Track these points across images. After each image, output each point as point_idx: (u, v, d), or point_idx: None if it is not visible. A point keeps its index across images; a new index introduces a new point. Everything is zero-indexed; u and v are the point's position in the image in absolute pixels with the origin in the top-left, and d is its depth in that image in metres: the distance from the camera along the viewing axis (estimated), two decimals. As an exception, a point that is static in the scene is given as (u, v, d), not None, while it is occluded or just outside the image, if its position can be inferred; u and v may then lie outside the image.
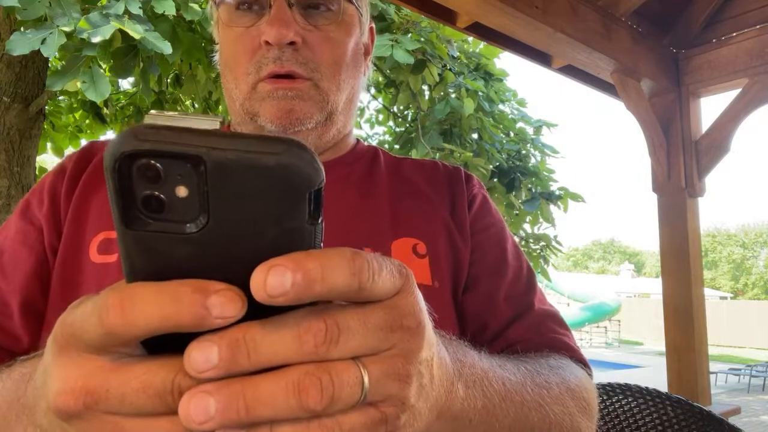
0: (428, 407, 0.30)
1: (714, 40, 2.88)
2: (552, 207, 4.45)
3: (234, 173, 0.22)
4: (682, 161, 2.87)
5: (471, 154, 4.14)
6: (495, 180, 4.44)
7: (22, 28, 2.49)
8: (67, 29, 2.34)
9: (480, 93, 4.29)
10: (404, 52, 3.40)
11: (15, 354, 0.51)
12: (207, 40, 3.09)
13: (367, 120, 5.35)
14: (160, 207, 0.23)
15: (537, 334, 0.64)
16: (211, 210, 0.23)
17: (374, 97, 5.04)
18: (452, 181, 0.73)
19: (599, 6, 2.55)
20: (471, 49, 4.70)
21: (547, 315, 0.67)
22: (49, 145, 4.23)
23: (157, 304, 0.22)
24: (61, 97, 4.17)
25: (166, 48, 2.49)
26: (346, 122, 0.70)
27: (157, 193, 0.22)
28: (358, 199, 0.66)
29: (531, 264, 0.75)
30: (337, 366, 0.24)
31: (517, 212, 4.47)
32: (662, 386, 1.60)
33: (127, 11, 2.47)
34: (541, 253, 4.68)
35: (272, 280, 0.22)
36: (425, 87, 4.34)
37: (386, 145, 5.01)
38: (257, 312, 0.24)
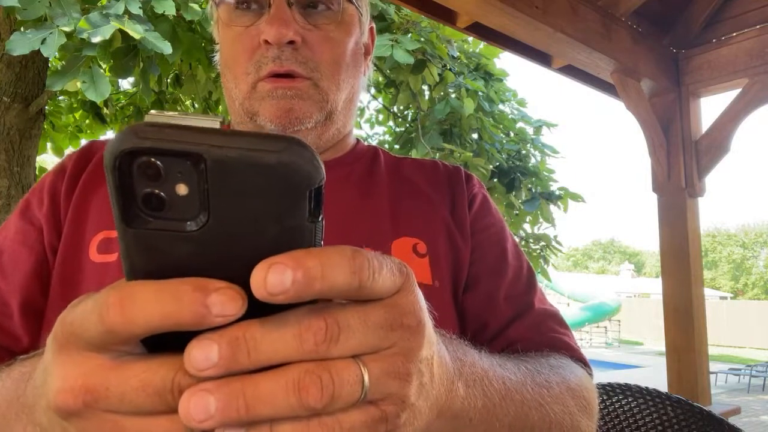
0: (428, 406, 0.30)
1: (714, 40, 2.88)
2: (552, 207, 4.45)
3: (234, 171, 0.22)
4: (682, 161, 2.87)
5: (471, 154, 4.14)
6: (495, 180, 4.44)
7: (22, 28, 2.49)
8: (67, 29, 2.34)
9: (480, 93, 4.29)
10: (404, 52, 3.40)
11: (15, 353, 0.51)
12: (207, 40, 3.09)
13: (367, 120, 5.35)
14: (161, 205, 0.23)
15: (537, 334, 0.64)
16: (212, 208, 0.23)
17: (374, 97, 5.04)
18: (452, 181, 0.73)
19: (599, 6, 2.55)
20: (471, 49, 4.70)
21: (547, 314, 0.67)
22: (49, 145, 4.23)
23: (157, 303, 0.22)
24: (61, 97, 4.17)
25: (166, 48, 2.49)
26: (346, 122, 0.70)
27: (157, 191, 0.22)
28: (358, 199, 0.66)
29: (531, 264, 0.75)
30: (337, 364, 0.24)
31: (517, 212, 4.47)
32: (662, 386, 1.60)
33: (127, 11, 2.47)
34: (541, 253, 4.68)
35: (272, 278, 0.22)
36: (425, 87, 4.34)
37: (386, 145, 5.01)
38: (257, 310, 0.23)
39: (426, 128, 4.36)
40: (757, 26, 2.72)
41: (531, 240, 4.69)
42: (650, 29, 2.88)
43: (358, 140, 0.77)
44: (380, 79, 4.56)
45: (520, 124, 4.90)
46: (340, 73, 0.64)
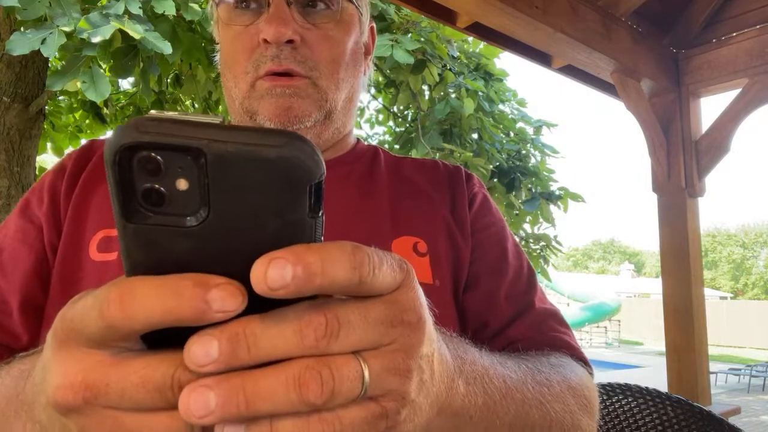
0: (429, 403, 0.30)
1: (714, 40, 2.88)
2: (552, 207, 4.45)
3: (235, 166, 0.22)
4: (682, 161, 2.87)
5: (471, 154, 4.14)
6: (495, 180, 4.44)
7: (22, 28, 2.49)
8: (67, 29, 2.34)
9: (480, 93, 4.29)
10: (404, 52, 3.40)
11: (14, 352, 0.51)
12: (207, 40, 3.09)
13: (367, 120, 5.35)
14: (161, 200, 0.22)
15: (538, 333, 0.64)
16: (212, 203, 0.22)
17: (374, 97, 5.04)
18: (453, 180, 0.73)
19: (599, 6, 2.55)
20: (471, 49, 4.70)
21: (547, 314, 0.67)
22: (49, 145, 4.23)
23: (157, 298, 0.22)
24: (61, 97, 4.18)
25: (166, 48, 2.49)
26: (346, 121, 0.70)
27: (157, 186, 0.22)
28: (358, 199, 0.66)
29: (531, 263, 0.75)
30: (337, 360, 0.24)
31: (517, 212, 4.47)
32: (662, 386, 1.60)
33: (127, 11, 2.48)
34: (541, 253, 4.68)
35: (272, 272, 0.22)
36: (425, 87, 4.34)
37: (386, 145, 5.01)
38: (257, 306, 0.23)
39: (426, 128, 4.37)
40: (757, 26, 2.72)
41: (531, 240, 4.69)
42: (650, 29, 2.88)
43: (358, 140, 0.77)
44: (380, 79, 4.56)
45: (520, 124, 4.91)
46: (339, 72, 0.64)
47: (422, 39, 3.76)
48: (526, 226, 4.69)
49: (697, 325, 2.80)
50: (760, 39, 2.69)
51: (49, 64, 3.35)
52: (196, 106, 4.27)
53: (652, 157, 2.92)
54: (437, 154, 4.25)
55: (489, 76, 4.57)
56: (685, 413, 1.16)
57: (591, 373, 0.63)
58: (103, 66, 2.90)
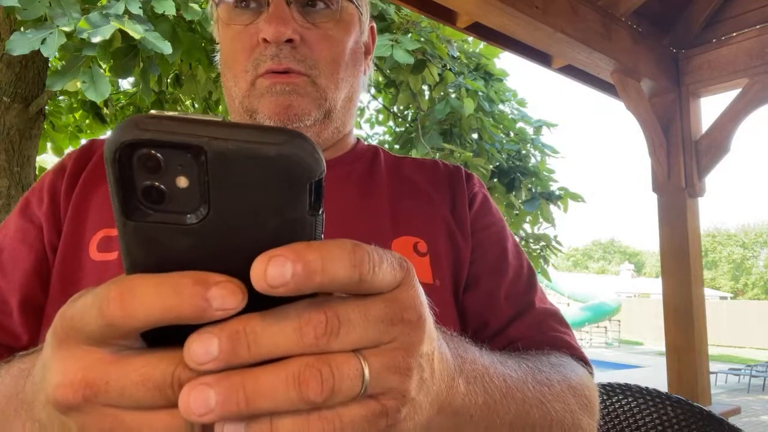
0: (429, 401, 0.30)
1: (714, 40, 2.88)
2: (552, 207, 4.45)
3: (235, 163, 0.22)
4: (682, 161, 2.87)
5: (471, 154, 4.14)
6: (495, 180, 4.44)
7: (22, 28, 2.49)
8: (67, 29, 2.34)
9: (480, 93, 4.29)
10: (404, 52, 3.40)
11: (14, 351, 0.51)
12: (207, 40, 3.09)
13: (367, 120, 5.35)
14: (161, 198, 0.22)
15: (538, 333, 0.64)
16: (212, 200, 0.22)
17: (374, 97, 5.04)
18: (453, 180, 0.73)
19: (599, 6, 2.55)
20: (471, 49, 4.70)
21: (547, 313, 0.67)
22: (49, 145, 4.23)
23: (157, 296, 0.22)
24: (61, 97, 4.18)
25: (166, 48, 2.49)
26: (345, 121, 0.70)
27: (157, 183, 0.22)
28: (359, 199, 0.66)
29: (531, 263, 0.75)
30: (337, 358, 0.24)
31: (517, 212, 4.47)
32: (662, 386, 1.60)
33: (127, 11, 2.48)
34: (541, 253, 4.68)
35: (272, 270, 0.22)
36: (425, 87, 4.34)
37: (386, 145, 5.01)
38: (258, 304, 0.23)
39: (426, 128, 4.37)
40: (757, 26, 2.72)
41: (531, 240, 4.69)
42: (650, 29, 2.88)
43: (358, 140, 0.77)
44: (380, 79, 4.56)
45: (520, 124, 4.91)
46: (338, 71, 0.64)
47: (422, 39, 3.77)
48: (526, 226, 4.69)
49: (697, 325, 2.80)
50: (760, 39, 2.69)
51: (49, 64, 3.35)
52: (196, 106, 4.28)
53: (652, 157, 2.92)
54: (437, 154, 4.25)
55: (489, 76, 4.57)
56: (685, 413, 1.16)
57: (591, 373, 0.63)
58: (103, 66, 2.90)
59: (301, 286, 0.23)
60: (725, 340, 21.39)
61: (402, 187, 0.70)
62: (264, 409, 0.23)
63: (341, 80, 0.64)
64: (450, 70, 4.14)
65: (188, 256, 0.23)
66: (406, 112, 4.96)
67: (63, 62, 2.71)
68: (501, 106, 4.77)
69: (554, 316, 0.67)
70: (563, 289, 21.67)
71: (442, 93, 4.21)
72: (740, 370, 11.12)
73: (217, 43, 0.70)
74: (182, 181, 0.22)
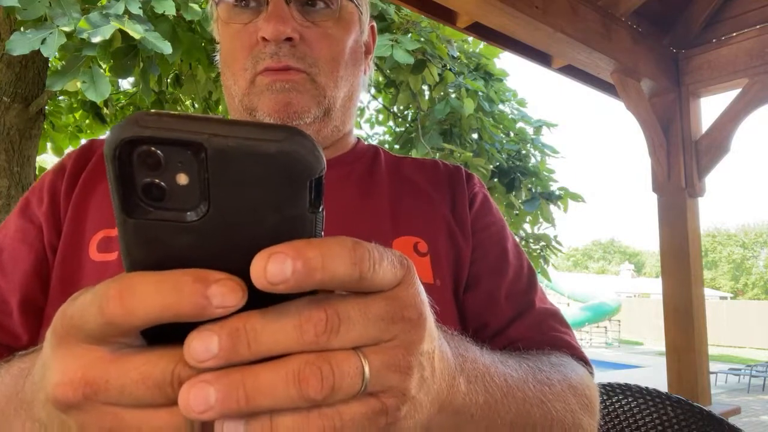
0: (429, 400, 0.30)
1: (714, 40, 2.88)
2: (552, 207, 4.45)
3: (235, 160, 0.22)
4: (682, 161, 2.87)
5: (471, 154, 4.14)
6: (495, 180, 4.44)
7: (22, 28, 2.49)
8: (67, 29, 2.34)
9: (480, 93, 4.29)
10: (404, 52, 3.40)
11: (14, 351, 0.51)
12: (207, 40, 3.09)
13: (367, 120, 5.35)
14: (161, 195, 0.22)
15: (538, 333, 0.64)
16: (212, 198, 0.22)
17: (374, 97, 5.04)
18: (453, 180, 0.73)
19: (599, 6, 2.55)
20: (471, 49, 4.70)
21: (548, 313, 0.67)
22: (49, 145, 4.23)
23: (157, 294, 0.22)
24: (61, 97, 4.17)
25: (166, 48, 2.49)
26: (345, 120, 0.70)
27: (157, 180, 0.22)
28: (359, 199, 0.66)
29: (531, 263, 0.75)
30: (337, 356, 0.24)
31: (517, 212, 4.48)
32: (662, 386, 1.60)
33: (127, 11, 2.48)
34: (541, 253, 4.68)
35: (272, 267, 0.22)
36: (425, 87, 4.35)
37: (386, 145, 5.01)
38: (258, 301, 0.23)
39: (426, 128, 4.37)
40: (757, 26, 2.72)
41: (531, 240, 4.69)
42: (650, 29, 2.88)
43: (358, 139, 0.77)
44: (380, 79, 4.56)
45: (520, 124, 4.91)
46: (338, 70, 0.64)
47: (422, 39, 3.77)
48: (526, 226, 4.69)
49: (697, 325, 2.80)
50: (760, 39, 2.69)
51: (49, 64, 3.35)
52: (196, 106, 4.27)
53: (652, 157, 2.92)
54: (437, 154, 4.26)
55: (489, 76, 4.57)
56: (685, 413, 1.16)
57: (591, 373, 0.63)
58: (103, 66, 2.90)
59: (302, 283, 0.23)
60: (725, 340, 21.38)
61: (402, 187, 0.70)
62: (264, 406, 0.23)
63: (341, 79, 0.64)
64: (450, 70, 4.14)
65: (188, 254, 0.23)
66: (406, 112, 4.96)
67: (63, 62, 2.71)
68: (501, 106, 4.77)
69: (554, 316, 0.67)
70: (563, 289, 21.67)
71: (442, 93, 4.22)
72: (740, 370, 11.12)
73: (217, 43, 0.70)
74: (182, 179, 0.22)
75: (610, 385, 1.29)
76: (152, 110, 0.23)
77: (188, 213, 0.23)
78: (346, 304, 0.25)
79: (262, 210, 0.23)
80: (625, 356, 16.24)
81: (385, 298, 0.26)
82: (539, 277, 4.12)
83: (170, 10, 2.60)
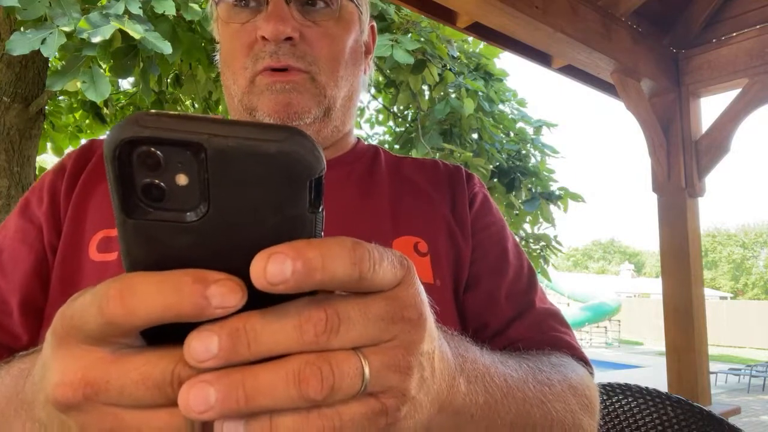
0: (429, 400, 0.30)
1: (714, 40, 2.88)
2: (552, 207, 4.45)
3: (235, 161, 0.22)
4: (682, 161, 2.87)
5: (471, 154, 4.14)
6: (495, 180, 4.44)
7: (22, 28, 2.49)
8: (67, 29, 2.34)
9: (480, 93, 4.29)
10: (404, 52, 3.40)
11: (14, 352, 0.51)
12: (207, 40, 3.09)
13: (367, 120, 5.35)
14: (161, 195, 0.22)
15: (538, 333, 0.64)
16: (212, 198, 0.22)
17: (374, 97, 5.04)
18: (453, 180, 0.73)
19: (599, 6, 2.55)
20: (471, 49, 4.70)
21: (548, 313, 0.67)
22: (49, 145, 4.23)
23: (157, 294, 0.22)
24: (61, 97, 4.17)
25: (166, 48, 2.49)
26: (345, 120, 0.70)
27: (157, 181, 0.22)
28: (359, 199, 0.66)
29: (531, 263, 0.74)
30: (337, 356, 0.24)
31: (517, 212, 4.48)
32: (662, 386, 1.60)
33: (127, 11, 2.48)
34: (541, 253, 4.68)
35: (272, 267, 0.22)
36: (425, 87, 4.35)
37: (386, 145, 5.01)
38: (258, 301, 0.23)
39: (426, 128, 4.37)
40: (757, 26, 2.72)
41: (531, 240, 4.69)
42: (650, 29, 2.88)
43: (358, 139, 0.77)
44: (380, 79, 4.56)
45: (520, 124, 4.91)
46: (338, 69, 0.64)
47: (422, 39, 3.77)
48: (526, 226, 4.69)
49: (697, 325, 2.80)
50: (760, 39, 2.69)
51: (49, 64, 3.35)
52: (196, 106, 4.28)
53: (652, 157, 2.92)
54: (437, 154, 4.26)
55: (489, 76, 4.57)
56: (685, 413, 1.16)
57: (591, 373, 0.63)
58: (103, 66, 2.90)
59: (301, 283, 0.23)
60: (725, 340, 21.38)
61: (402, 187, 0.70)
62: (263, 406, 0.23)
63: (341, 78, 0.64)
64: (450, 70, 4.14)
65: (188, 254, 0.23)
66: (406, 112, 4.96)
67: (63, 62, 2.71)
68: (501, 106, 4.77)
69: (555, 316, 0.67)
70: (563, 289, 21.67)
71: (442, 93, 4.22)
72: (740, 370, 11.12)
73: (217, 43, 0.70)
74: (182, 179, 0.22)
75: (610, 385, 1.29)
76: (152, 110, 0.23)
77: (188, 213, 0.23)
78: (346, 304, 0.25)
79: (262, 210, 0.23)
80: (625, 356, 16.24)
81: (385, 298, 0.26)
82: (539, 277, 4.12)
83: (170, 10, 2.60)
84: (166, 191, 0.22)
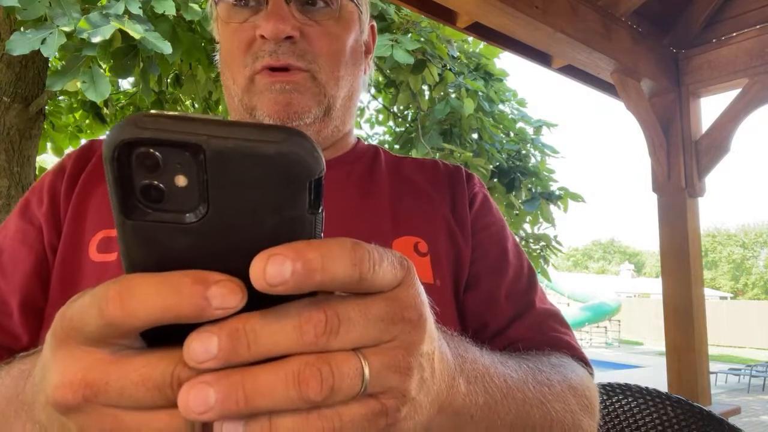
0: (429, 401, 0.30)
1: (714, 40, 2.88)
2: (552, 207, 4.45)
3: (233, 162, 0.22)
4: (682, 161, 2.87)
5: (471, 154, 4.14)
6: (495, 180, 4.44)
7: (22, 28, 2.49)
8: (67, 29, 2.34)
9: (480, 93, 4.29)
10: (404, 52, 3.40)
11: (14, 352, 0.51)
12: (207, 40, 3.09)
13: (367, 120, 5.35)
14: (160, 196, 0.22)
15: (538, 333, 0.64)
16: (211, 199, 0.22)
17: (374, 97, 5.04)
18: (453, 180, 0.72)
19: (599, 6, 2.55)
20: (471, 49, 4.70)
21: (548, 314, 0.67)
22: (49, 145, 4.23)
23: (157, 295, 0.22)
24: (61, 97, 4.17)
25: (166, 48, 2.49)
26: (345, 120, 0.70)
27: (156, 182, 0.22)
28: (359, 199, 0.66)
29: (531, 263, 0.74)
30: (337, 357, 0.24)
31: (517, 212, 4.48)
32: (662, 386, 1.60)
33: (127, 11, 2.48)
34: (541, 253, 4.68)
35: (271, 268, 0.22)
36: (425, 87, 4.35)
37: (386, 145, 5.01)
38: (257, 303, 0.23)
39: (426, 128, 4.37)
40: (757, 26, 2.72)
41: (531, 240, 4.69)
42: (650, 29, 2.88)
43: (358, 139, 0.77)
44: (380, 79, 4.56)
45: (520, 124, 4.91)
46: (339, 68, 0.64)
47: (422, 39, 3.77)
48: (526, 226, 4.69)
49: (697, 325, 2.80)
50: (760, 39, 2.69)
51: (49, 64, 3.35)
52: (196, 106, 4.27)
53: (652, 157, 2.92)
54: (437, 154, 4.26)
55: (489, 76, 4.57)
56: (685, 413, 1.16)
57: (591, 374, 0.63)
58: (103, 66, 2.90)
59: (301, 284, 0.23)
60: (725, 340, 21.38)
61: (402, 186, 0.70)
62: (263, 407, 0.23)
63: (341, 78, 0.64)
64: (450, 70, 4.14)
65: (187, 255, 0.23)
66: (406, 112, 4.96)
67: (63, 62, 2.71)
68: (501, 106, 4.77)
69: (554, 317, 0.67)
70: (563, 289, 21.67)
71: (442, 93, 4.22)
72: (740, 370, 11.12)
73: (217, 43, 0.70)
74: (181, 180, 0.22)
75: (610, 385, 1.29)
76: (151, 111, 0.23)
77: (187, 214, 0.23)
78: (345, 305, 0.25)
79: (261, 211, 0.23)
80: (625, 356, 16.24)
81: (385, 299, 0.26)
82: (539, 277, 4.12)
83: (170, 10, 2.60)
84: (165, 192, 0.22)
